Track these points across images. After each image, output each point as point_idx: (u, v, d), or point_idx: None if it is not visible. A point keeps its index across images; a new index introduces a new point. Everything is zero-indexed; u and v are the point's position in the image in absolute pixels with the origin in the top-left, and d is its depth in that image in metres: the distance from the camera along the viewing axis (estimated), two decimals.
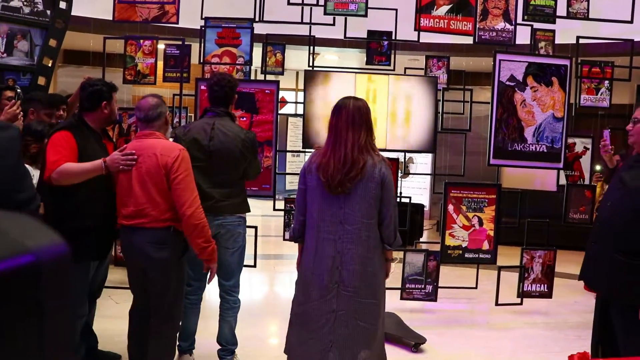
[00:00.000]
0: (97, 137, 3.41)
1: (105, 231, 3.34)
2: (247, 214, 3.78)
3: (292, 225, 3.12)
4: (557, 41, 5.63)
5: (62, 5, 5.02)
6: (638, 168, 2.98)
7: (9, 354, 0.67)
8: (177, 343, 3.78)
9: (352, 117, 2.90)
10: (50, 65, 5.44)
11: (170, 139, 3.64)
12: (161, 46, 5.37)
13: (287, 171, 10.26)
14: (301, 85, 10.34)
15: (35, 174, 3.43)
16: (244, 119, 4.67)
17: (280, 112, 7.41)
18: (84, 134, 3.27)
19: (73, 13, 5.13)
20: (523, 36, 5.39)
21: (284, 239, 5.33)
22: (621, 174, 2.98)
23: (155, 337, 3.25)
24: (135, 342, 3.36)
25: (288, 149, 9.99)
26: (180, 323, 3.68)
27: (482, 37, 5.13)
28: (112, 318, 4.25)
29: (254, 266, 4.80)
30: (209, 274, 3.35)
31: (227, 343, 3.79)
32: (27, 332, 0.69)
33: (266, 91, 4.69)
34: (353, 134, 2.88)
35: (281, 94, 9.17)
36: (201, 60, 5.23)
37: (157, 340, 3.26)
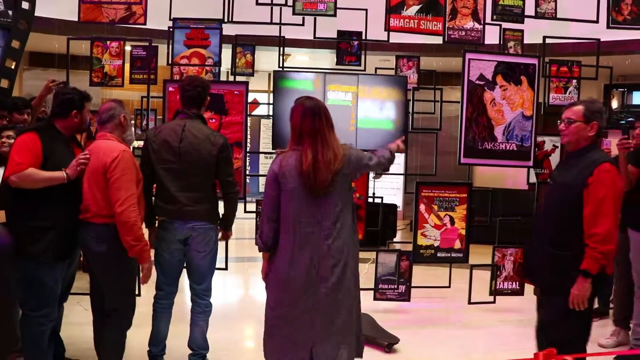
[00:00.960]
0: (66, 140, 3.41)
1: (67, 232, 3.29)
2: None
3: (260, 234, 3.04)
4: (525, 41, 5.68)
5: (25, 5, 4.89)
6: (567, 165, 3.22)
7: None
8: (148, 348, 3.75)
9: (327, 117, 2.94)
10: (13, 67, 5.31)
11: (133, 142, 3.77)
12: (129, 48, 5.28)
13: (261, 173, 10.23)
14: (272, 87, 10.31)
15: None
16: (213, 120, 4.61)
17: (252, 114, 7.35)
18: (52, 137, 3.31)
19: (37, 14, 5.01)
20: (492, 36, 5.42)
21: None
22: (552, 171, 3.17)
23: (105, 331, 3.43)
24: (96, 337, 3.54)
25: (261, 150, 9.95)
26: (151, 327, 3.71)
27: (452, 36, 5.15)
28: (80, 325, 4.16)
29: (226, 269, 4.74)
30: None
31: (198, 347, 3.75)
32: None
33: (235, 92, 4.64)
34: (333, 134, 2.94)
35: (253, 96, 9.12)
36: (169, 62, 5.15)
37: (107, 334, 3.42)
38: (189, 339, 3.77)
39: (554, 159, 5.45)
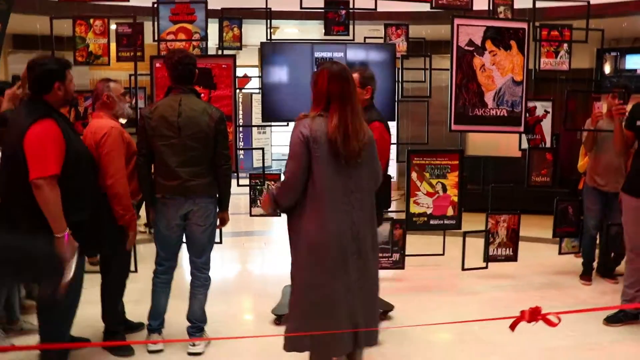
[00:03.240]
0: (67, 120, 3.32)
1: (91, 228, 3.28)
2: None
3: (277, 196, 2.87)
4: (516, 6, 5.63)
5: None
6: None
7: None
8: (147, 322, 3.84)
9: (353, 84, 2.85)
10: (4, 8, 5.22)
11: (121, 120, 3.83)
12: (114, 26, 5.22)
13: (254, 146, 10.19)
14: None
15: None
16: (202, 95, 4.59)
17: (243, 88, 7.31)
18: (60, 122, 3.11)
19: None
20: (482, 3, 5.37)
21: (251, 215, 5.31)
22: None
23: (107, 282, 3.82)
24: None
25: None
26: (151, 302, 3.80)
27: (440, 2, 5.11)
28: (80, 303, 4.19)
29: (220, 242, 4.77)
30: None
31: (196, 320, 3.81)
32: None
33: (223, 66, 4.61)
34: (357, 102, 2.86)
35: (243, 70, 9.06)
36: (156, 38, 5.11)
37: (108, 282, 3.81)
38: (187, 312, 3.82)
39: (546, 124, 5.46)
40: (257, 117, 9.10)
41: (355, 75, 3.43)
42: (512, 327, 2.10)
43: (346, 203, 2.79)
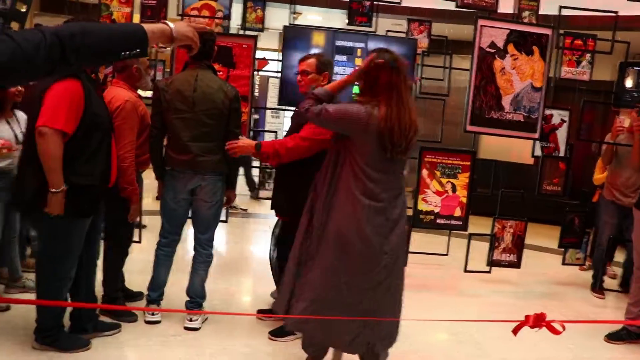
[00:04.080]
0: (95, 84, 3.27)
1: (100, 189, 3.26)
2: None
3: (312, 114, 2.74)
4: (541, 12, 5.58)
5: None
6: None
7: None
8: (147, 293, 3.86)
9: (405, 74, 2.73)
10: (24, 10, 5.27)
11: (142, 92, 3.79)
12: None
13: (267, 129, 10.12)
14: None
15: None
16: (221, 72, 4.58)
17: (261, 70, 7.28)
18: (86, 84, 3.07)
19: None
20: (507, 5, 5.33)
21: (257, 198, 5.32)
22: None
23: (107, 256, 3.86)
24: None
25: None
26: (152, 273, 3.83)
27: (465, 1, 5.07)
28: None
29: (225, 221, 4.78)
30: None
31: (196, 295, 3.83)
32: None
33: (244, 46, 4.61)
34: (410, 95, 2.77)
35: (262, 54, 9.02)
36: (180, 13, 5.10)
37: (108, 257, 3.85)
38: (187, 287, 3.84)
39: (561, 134, 5.42)
40: (271, 101, 9.07)
41: (312, 61, 3.53)
42: (515, 331, 2.07)
43: (382, 200, 2.70)
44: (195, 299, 3.83)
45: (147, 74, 3.78)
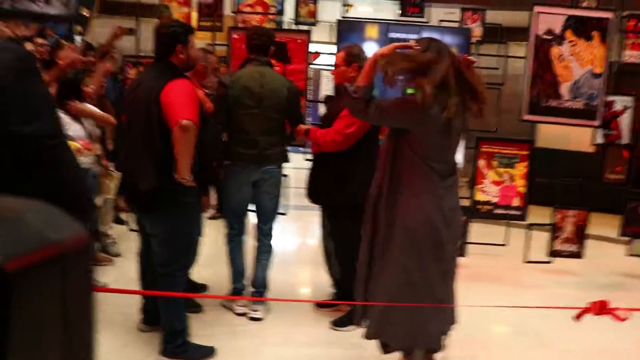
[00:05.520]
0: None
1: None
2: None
3: (371, 109, 2.67)
4: None
5: None
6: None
7: (32, 353, 0.64)
8: (233, 285, 3.98)
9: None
10: (87, 14, 5.49)
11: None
12: None
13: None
14: (334, 38, 10.22)
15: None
16: (277, 68, 4.65)
17: (313, 64, 7.34)
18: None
19: None
20: None
21: None
22: None
23: None
24: None
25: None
26: (231, 266, 3.96)
27: None
28: None
29: (284, 214, 4.86)
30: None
31: (259, 286, 3.94)
32: (52, 330, 0.67)
33: (298, 40, 4.66)
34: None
35: (314, 47, 9.08)
36: (234, 10, 5.20)
37: None
38: (252, 279, 3.96)
39: (624, 120, 5.26)
40: (324, 94, 9.16)
41: (341, 54, 3.65)
42: (578, 317, 2.07)
43: (445, 187, 2.71)
44: (259, 289, 3.93)
45: (214, 73, 3.85)
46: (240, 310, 3.88)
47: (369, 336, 2.92)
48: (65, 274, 0.68)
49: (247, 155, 3.68)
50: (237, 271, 3.94)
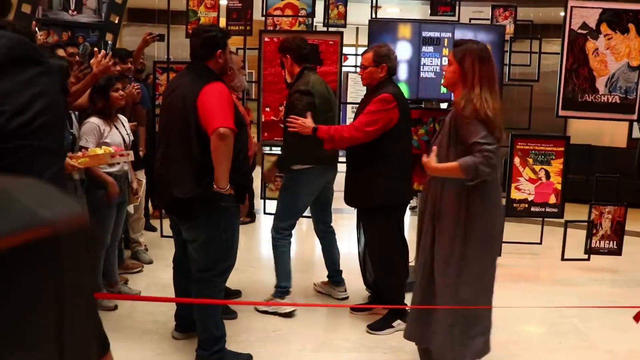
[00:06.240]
0: None
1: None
2: None
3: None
4: None
5: None
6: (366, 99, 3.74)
7: (25, 341, 0.57)
8: (282, 285, 4.02)
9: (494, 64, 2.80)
10: (116, 22, 5.56)
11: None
12: (223, 1, 5.36)
13: None
14: (361, 41, 10.18)
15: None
16: None
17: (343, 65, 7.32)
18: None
19: None
20: None
21: None
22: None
23: None
24: None
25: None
26: (284, 265, 4.03)
27: None
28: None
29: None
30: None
31: (338, 262, 4.29)
32: (45, 316, 0.59)
33: (330, 42, 4.65)
34: (496, 84, 2.79)
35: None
36: (264, 14, 5.21)
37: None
38: (334, 263, 4.27)
39: None
40: (352, 96, 9.12)
41: (369, 54, 3.67)
42: (637, 318, 2.02)
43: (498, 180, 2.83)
44: (339, 270, 4.27)
45: (240, 73, 3.85)
46: (343, 295, 4.23)
47: (414, 339, 3.01)
48: (59, 258, 0.58)
49: (327, 157, 3.88)
50: (287, 272, 4.00)
